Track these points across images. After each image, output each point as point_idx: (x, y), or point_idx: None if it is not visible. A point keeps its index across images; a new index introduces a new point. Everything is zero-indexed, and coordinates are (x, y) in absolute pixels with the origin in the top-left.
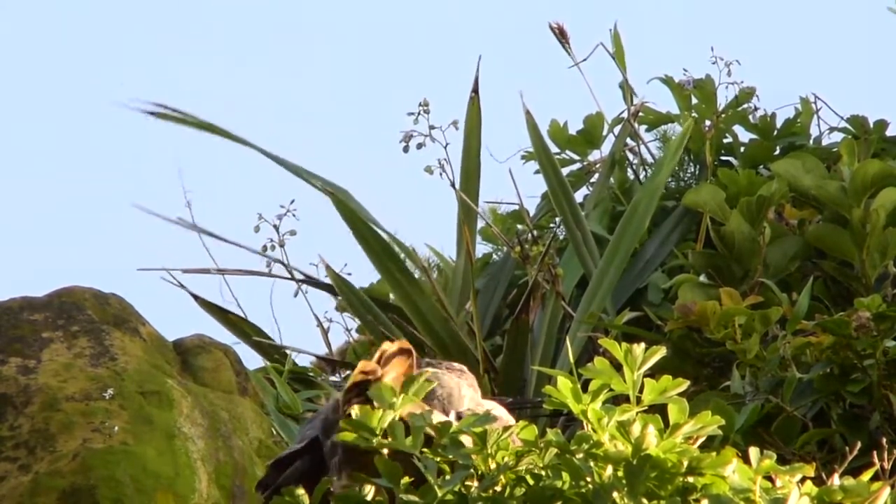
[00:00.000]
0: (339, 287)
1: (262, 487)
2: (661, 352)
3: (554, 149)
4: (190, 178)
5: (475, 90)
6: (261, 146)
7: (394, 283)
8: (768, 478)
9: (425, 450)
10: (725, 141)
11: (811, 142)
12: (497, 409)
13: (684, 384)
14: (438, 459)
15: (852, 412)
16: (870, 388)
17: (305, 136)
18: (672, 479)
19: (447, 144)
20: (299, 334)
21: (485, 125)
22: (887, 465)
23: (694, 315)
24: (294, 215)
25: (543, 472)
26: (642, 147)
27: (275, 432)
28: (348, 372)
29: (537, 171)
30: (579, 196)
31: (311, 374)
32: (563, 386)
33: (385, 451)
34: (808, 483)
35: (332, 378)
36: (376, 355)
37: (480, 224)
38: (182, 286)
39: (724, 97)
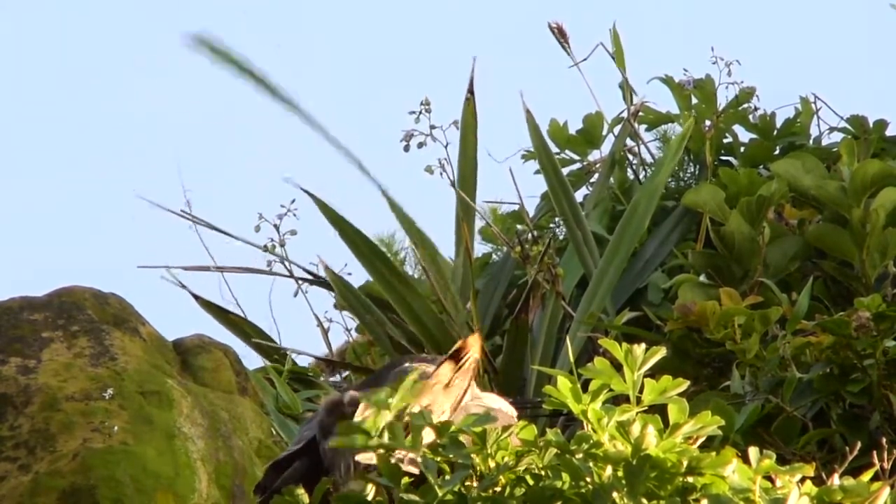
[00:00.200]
0: (337, 287)
1: (261, 490)
2: (661, 352)
3: (554, 149)
4: (190, 177)
5: (471, 91)
6: (299, 105)
7: (386, 286)
8: (768, 478)
9: (425, 449)
10: (725, 141)
11: (811, 142)
12: (496, 400)
13: (684, 384)
14: (438, 459)
15: (852, 412)
16: (870, 388)
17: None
18: (672, 479)
19: (447, 144)
20: (299, 334)
21: (485, 125)
22: (887, 465)
23: (694, 315)
24: (294, 215)
25: (543, 472)
26: (642, 147)
27: (274, 432)
28: (347, 372)
29: (537, 171)
30: (579, 196)
31: (310, 374)
32: (563, 386)
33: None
34: (808, 483)
35: (332, 378)
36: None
37: (480, 224)
38: (183, 286)
39: (724, 97)
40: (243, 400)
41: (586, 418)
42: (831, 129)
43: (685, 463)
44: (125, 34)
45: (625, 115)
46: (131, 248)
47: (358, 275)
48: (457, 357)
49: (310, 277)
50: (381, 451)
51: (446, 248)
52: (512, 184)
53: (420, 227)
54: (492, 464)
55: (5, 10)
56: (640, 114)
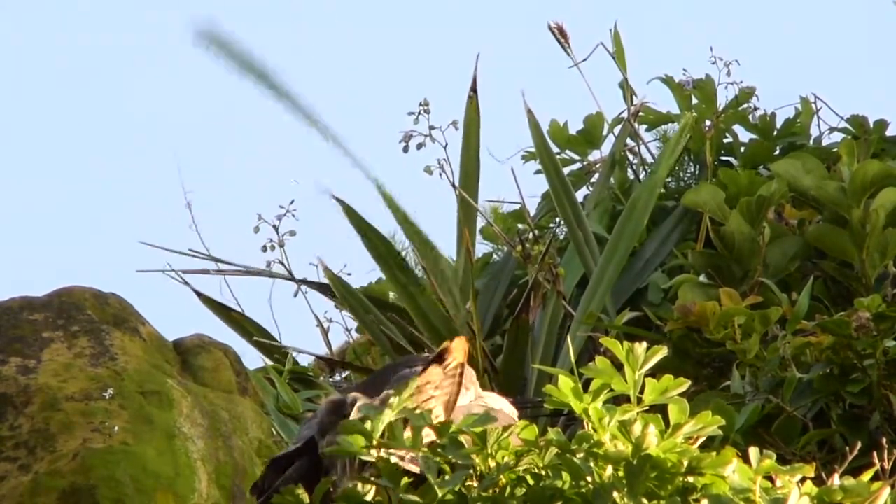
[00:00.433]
0: (336, 288)
1: (257, 490)
2: (662, 352)
3: (554, 149)
4: (190, 176)
5: (473, 89)
6: (302, 100)
7: (398, 286)
8: (768, 478)
9: (425, 449)
10: (725, 141)
11: (811, 142)
12: (497, 401)
13: (685, 384)
14: (438, 459)
15: (852, 412)
16: (870, 389)
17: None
18: (672, 479)
19: (446, 144)
20: (299, 334)
21: (485, 125)
22: (887, 465)
23: (694, 315)
24: (293, 215)
25: (544, 472)
26: (642, 147)
27: (275, 432)
28: (348, 372)
29: (538, 171)
30: (579, 196)
31: (310, 374)
32: (564, 385)
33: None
34: (808, 483)
35: (332, 378)
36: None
37: (481, 223)
38: (186, 283)
39: (724, 97)
40: (243, 400)
41: (587, 418)
42: (831, 130)
43: (686, 463)
44: (125, 33)
45: (625, 115)
46: (132, 248)
47: (358, 275)
48: (441, 359)
49: (309, 279)
50: (382, 452)
51: (447, 248)
52: (512, 183)
53: (420, 227)
54: (492, 464)
55: (6, 10)
56: (641, 114)
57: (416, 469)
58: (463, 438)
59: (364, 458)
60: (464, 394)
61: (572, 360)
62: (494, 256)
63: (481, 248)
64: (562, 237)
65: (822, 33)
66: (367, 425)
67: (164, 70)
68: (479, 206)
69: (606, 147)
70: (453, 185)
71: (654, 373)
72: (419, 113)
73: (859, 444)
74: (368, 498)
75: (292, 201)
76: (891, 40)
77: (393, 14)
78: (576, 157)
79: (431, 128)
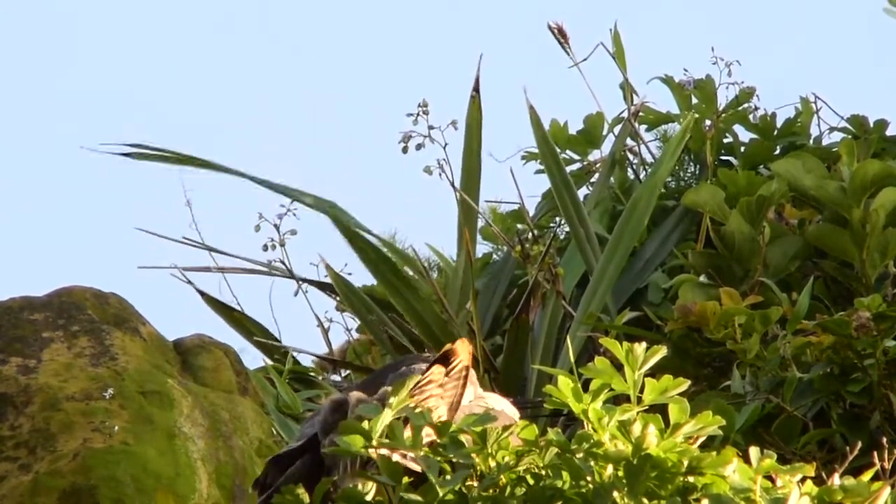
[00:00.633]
0: (339, 287)
1: (259, 486)
2: (662, 351)
3: (556, 147)
4: (190, 176)
5: (476, 89)
6: (246, 172)
7: (391, 290)
8: (769, 477)
9: (426, 449)
10: (725, 141)
11: (811, 142)
12: (498, 401)
13: (685, 384)
14: (439, 459)
15: (853, 412)
16: (870, 388)
17: (306, 134)
18: (672, 479)
19: (446, 145)
20: (299, 334)
21: (485, 125)
22: (888, 465)
23: (694, 315)
24: (294, 214)
25: (544, 472)
26: (643, 147)
27: (275, 432)
28: (348, 372)
29: (538, 171)
30: (579, 196)
31: (311, 373)
32: (564, 385)
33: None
34: (809, 483)
35: (333, 378)
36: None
37: (480, 224)
38: (189, 282)
39: (724, 97)
40: (244, 400)
41: (587, 418)
42: (831, 129)
43: (686, 463)
44: (125, 33)
45: (625, 115)
46: (132, 247)
47: (359, 275)
48: (445, 361)
49: (310, 278)
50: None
51: (447, 248)
52: (511, 183)
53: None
54: (492, 463)
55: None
56: (641, 114)
57: (417, 468)
58: (463, 438)
59: (366, 457)
60: (468, 389)
61: (572, 360)
62: (494, 256)
63: (481, 248)
64: (562, 237)
65: (823, 33)
66: (367, 425)
67: (165, 69)
68: (479, 206)
69: (606, 147)
70: (453, 184)
71: (654, 373)
72: (418, 114)
73: (860, 444)
74: (369, 497)
75: (293, 200)
76: (891, 40)
77: (393, 14)
78: (576, 156)
79: (431, 128)
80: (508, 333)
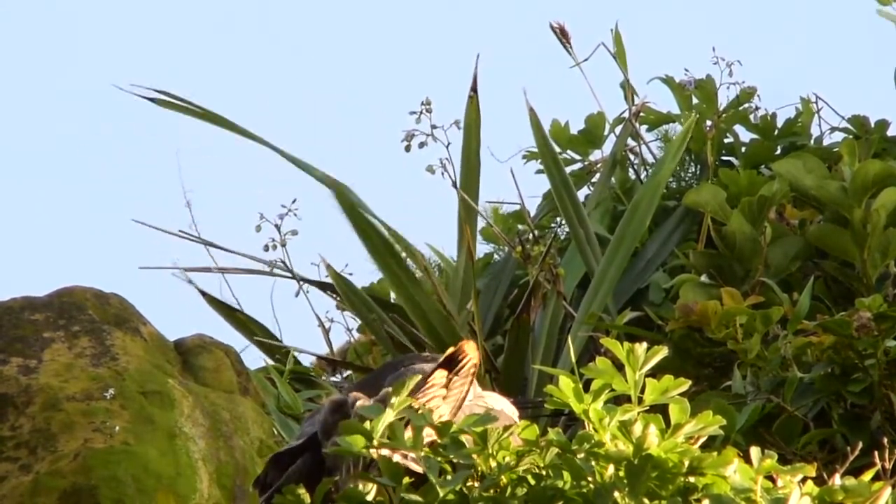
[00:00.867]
0: (339, 286)
1: (259, 485)
2: (662, 352)
3: (555, 148)
4: (190, 175)
5: (474, 89)
6: (263, 137)
7: (394, 281)
8: (769, 478)
9: (426, 449)
10: (726, 141)
11: (812, 142)
12: (499, 401)
13: (686, 384)
14: (440, 459)
15: (853, 412)
16: (871, 388)
17: (306, 134)
18: (673, 479)
19: (449, 144)
20: (300, 334)
21: (485, 125)
22: (888, 465)
23: (695, 315)
24: (296, 215)
25: (544, 472)
26: (643, 147)
27: (276, 432)
28: (349, 372)
29: (538, 171)
30: (580, 196)
31: (312, 373)
32: (565, 385)
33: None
34: (810, 483)
35: (333, 378)
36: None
37: (481, 224)
38: (191, 282)
39: (725, 97)
40: (244, 400)
41: (588, 418)
42: (832, 129)
43: (687, 463)
44: (125, 33)
45: (626, 115)
46: (132, 247)
47: (359, 275)
48: (451, 362)
49: (311, 278)
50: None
51: (448, 248)
52: (512, 184)
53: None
54: (493, 464)
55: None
56: (642, 114)
57: (417, 468)
58: (464, 438)
59: (368, 458)
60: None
61: (573, 360)
62: (495, 256)
63: (482, 248)
64: (562, 237)
65: (823, 33)
66: (368, 425)
67: (165, 69)
68: (480, 206)
69: (607, 147)
70: (454, 184)
71: (655, 373)
72: (421, 112)
73: (860, 444)
74: (369, 498)
75: (294, 200)
76: (891, 40)
77: (393, 14)
78: (577, 157)
79: (434, 127)
80: (509, 333)
